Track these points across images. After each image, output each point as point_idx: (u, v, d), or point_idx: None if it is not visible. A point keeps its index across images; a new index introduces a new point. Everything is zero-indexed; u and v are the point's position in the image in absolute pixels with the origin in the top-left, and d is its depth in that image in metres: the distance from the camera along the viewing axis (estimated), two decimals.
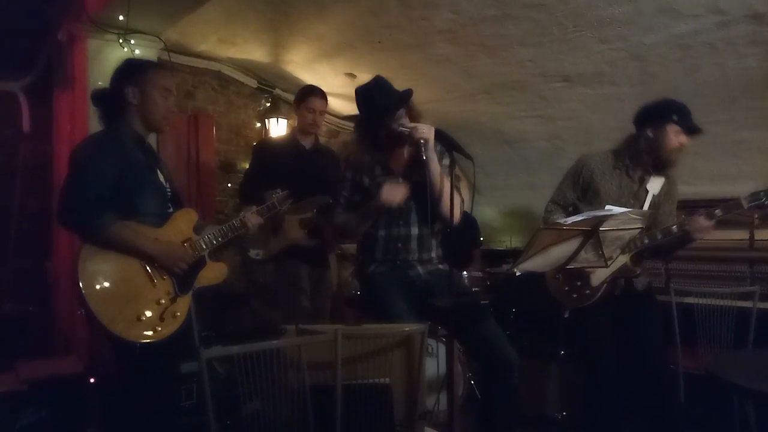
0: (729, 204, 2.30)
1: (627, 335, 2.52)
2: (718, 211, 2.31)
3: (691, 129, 2.46)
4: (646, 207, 2.50)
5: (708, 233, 2.35)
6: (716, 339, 2.76)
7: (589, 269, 2.42)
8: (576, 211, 2.53)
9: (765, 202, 2.24)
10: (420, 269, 2.33)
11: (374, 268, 2.34)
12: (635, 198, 2.54)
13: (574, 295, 2.53)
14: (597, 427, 2.51)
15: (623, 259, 2.46)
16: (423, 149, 2.12)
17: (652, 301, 2.62)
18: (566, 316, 2.55)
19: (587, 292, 2.49)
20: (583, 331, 2.59)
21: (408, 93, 2.24)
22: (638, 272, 2.50)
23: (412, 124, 2.18)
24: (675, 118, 2.43)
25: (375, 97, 2.24)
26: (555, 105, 3.98)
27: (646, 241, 2.43)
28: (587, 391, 2.55)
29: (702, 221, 2.32)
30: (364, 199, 2.31)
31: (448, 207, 2.04)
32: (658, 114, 2.47)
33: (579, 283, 2.51)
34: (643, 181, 2.55)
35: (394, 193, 2.19)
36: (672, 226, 2.40)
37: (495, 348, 2.16)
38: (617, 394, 2.50)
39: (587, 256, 2.15)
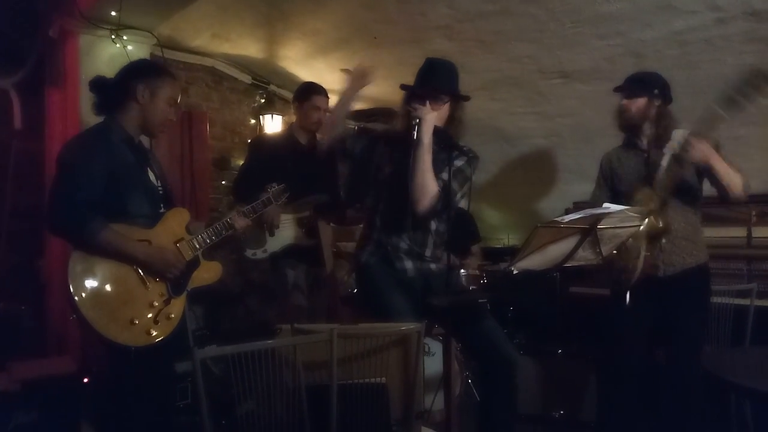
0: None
1: (662, 328, 2.39)
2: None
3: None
4: (665, 162, 2.34)
5: (706, 147, 2.20)
6: (713, 336, 2.75)
7: (625, 243, 2.24)
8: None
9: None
10: (410, 264, 2.27)
11: (367, 258, 2.31)
12: (653, 164, 2.40)
13: (623, 276, 2.38)
14: (608, 429, 2.44)
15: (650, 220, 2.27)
16: (415, 129, 2.10)
17: (694, 288, 2.39)
18: (627, 302, 2.35)
19: (630, 266, 2.34)
20: (609, 323, 2.45)
21: (465, 96, 2.27)
22: (667, 229, 2.30)
23: (415, 105, 2.15)
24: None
25: (428, 72, 2.26)
26: (553, 101, 3.96)
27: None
28: (601, 390, 2.49)
29: (691, 137, 2.19)
30: (363, 157, 2.36)
31: (421, 189, 2.07)
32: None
33: (621, 261, 2.35)
34: (651, 150, 2.44)
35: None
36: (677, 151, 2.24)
37: (495, 347, 2.15)
38: (633, 396, 2.38)
39: (585, 254, 2.13)
